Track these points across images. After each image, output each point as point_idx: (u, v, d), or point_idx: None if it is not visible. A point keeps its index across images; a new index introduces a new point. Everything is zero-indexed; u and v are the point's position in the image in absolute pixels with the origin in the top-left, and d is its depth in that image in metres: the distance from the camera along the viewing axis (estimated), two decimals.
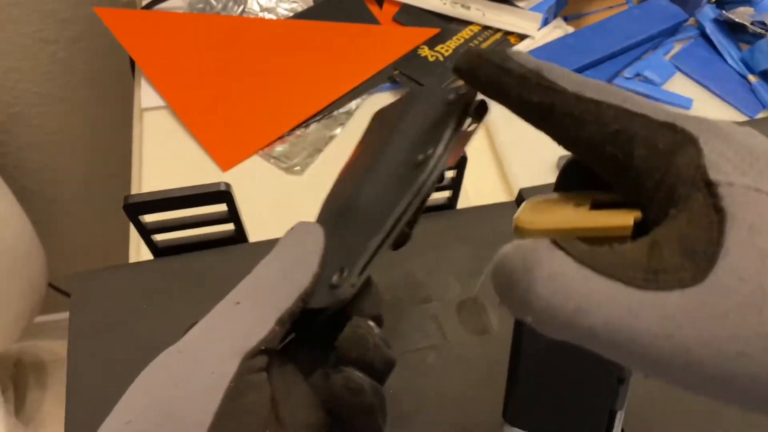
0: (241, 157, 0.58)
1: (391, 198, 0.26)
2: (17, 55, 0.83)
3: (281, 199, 0.56)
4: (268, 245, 0.48)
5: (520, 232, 0.22)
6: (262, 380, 0.24)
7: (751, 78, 0.64)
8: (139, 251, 0.54)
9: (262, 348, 0.24)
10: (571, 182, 0.25)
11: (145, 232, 0.46)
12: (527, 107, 0.23)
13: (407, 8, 0.68)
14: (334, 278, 0.26)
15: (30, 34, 0.81)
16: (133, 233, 0.55)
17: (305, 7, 0.69)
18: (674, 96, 0.63)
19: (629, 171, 0.21)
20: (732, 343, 0.17)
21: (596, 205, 0.22)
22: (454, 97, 0.27)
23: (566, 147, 0.23)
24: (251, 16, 0.68)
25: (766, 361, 0.17)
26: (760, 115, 0.63)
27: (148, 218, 0.45)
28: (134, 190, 0.57)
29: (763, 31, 0.64)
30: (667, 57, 0.67)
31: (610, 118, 0.21)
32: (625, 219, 0.20)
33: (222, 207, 0.45)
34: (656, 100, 0.63)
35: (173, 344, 0.25)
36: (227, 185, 0.43)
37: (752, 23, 0.65)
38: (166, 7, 0.68)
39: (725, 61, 0.66)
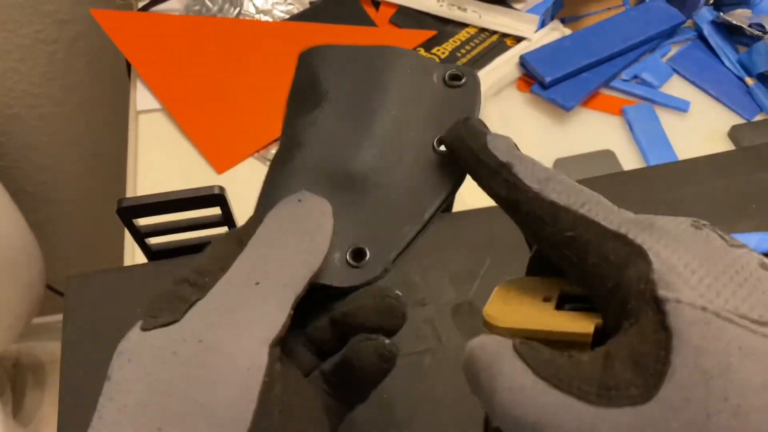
0: (236, 159, 0.58)
1: (422, 185, 0.27)
2: (16, 55, 0.83)
3: None
4: None
5: (488, 326, 0.24)
6: (280, 370, 0.23)
7: (749, 80, 0.64)
8: (134, 254, 0.54)
9: (282, 335, 0.23)
10: (541, 268, 0.26)
11: (139, 235, 0.45)
12: (497, 198, 0.24)
13: (404, 10, 0.68)
14: (348, 257, 0.26)
15: (29, 34, 0.81)
16: (128, 235, 0.55)
17: (301, 9, 0.68)
18: (671, 99, 0.63)
19: (584, 276, 0.22)
20: None
21: (564, 299, 0.24)
22: (456, 80, 0.29)
23: (531, 241, 0.24)
24: (247, 18, 0.67)
25: None
26: (758, 118, 0.62)
27: (142, 221, 0.45)
28: (129, 193, 0.57)
29: (760, 34, 0.64)
30: (665, 59, 0.67)
31: (567, 222, 0.22)
32: (585, 327, 0.22)
33: (216, 210, 0.45)
34: (654, 102, 0.63)
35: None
36: (221, 188, 0.43)
37: (750, 25, 0.65)
38: (162, 9, 0.68)
39: (723, 63, 0.66)
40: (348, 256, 0.26)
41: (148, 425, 0.21)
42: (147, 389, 0.21)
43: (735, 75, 0.65)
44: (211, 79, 0.62)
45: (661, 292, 0.19)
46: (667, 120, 0.62)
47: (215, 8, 0.67)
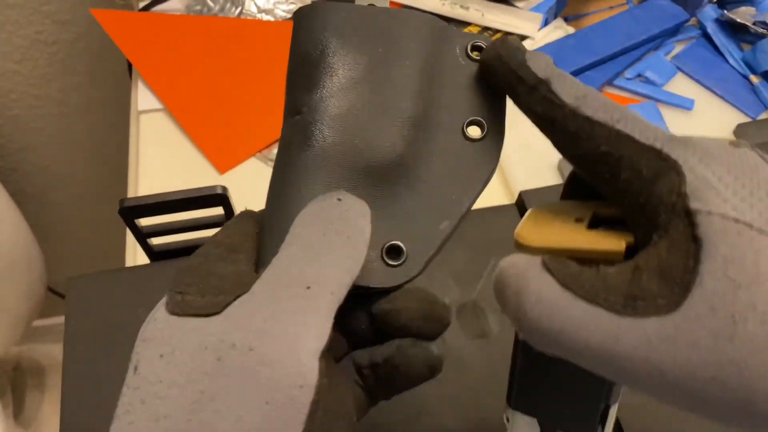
0: (238, 159, 0.58)
1: (455, 173, 0.26)
2: (16, 57, 0.83)
3: None
4: None
5: (519, 246, 0.23)
6: (326, 386, 0.21)
7: (753, 78, 0.64)
8: (136, 254, 0.54)
9: (327, 347, 0.21)
10: (576, 192, 0.25)
11: (141, 235, 0.45)
12: (533, 116, 0.24)
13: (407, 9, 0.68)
14: (384, 255, 0.25)
15: (28, 35, 0.81)
16: (130, 235, 0.55)
17: None
18: (675, 97, 0.63)
19: (616, 191, 0.22)
20: (704, 369, 0.18)
21: (596, 221, 0.23)
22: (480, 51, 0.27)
23: (566, 159, 0.24)
24: (249, 17, 0.67)
25: (736, 387, 0.17)
26: (763, 116, 0.62)
27: (144, 222, 0.44)
28: (131, 193, 0.56)
29: (765, 31, 0.64)
30: (669, 57, 0.66)
31: (601, 138, 0.22)
32: (617, 244, 0.21)
33: (219, 210, 0.44)
34: (658, 101, 0.63)
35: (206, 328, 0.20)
36: (224, 188, 0.43)
37: (754, 23, 0.65)
38: (163, 9, 0.67)
39: (727, 61, 0.66)
40: (384, 255, 0.25)
41: None
42: (190, 401, 0.20)
43: (739, 73, 0.65)
44: (213, 78, 0.62)
45: (693, 204, 0.19)
46: (672, 118, 0.61)
47: (216, 8, 0.67)
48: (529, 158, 0.57)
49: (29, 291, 0.95)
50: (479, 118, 0.26)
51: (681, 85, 0.64)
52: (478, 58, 0.26)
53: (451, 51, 0.27)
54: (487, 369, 0.41)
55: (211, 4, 0.67)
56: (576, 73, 0.61)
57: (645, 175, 0.20)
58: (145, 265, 0.47)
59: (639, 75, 0.64)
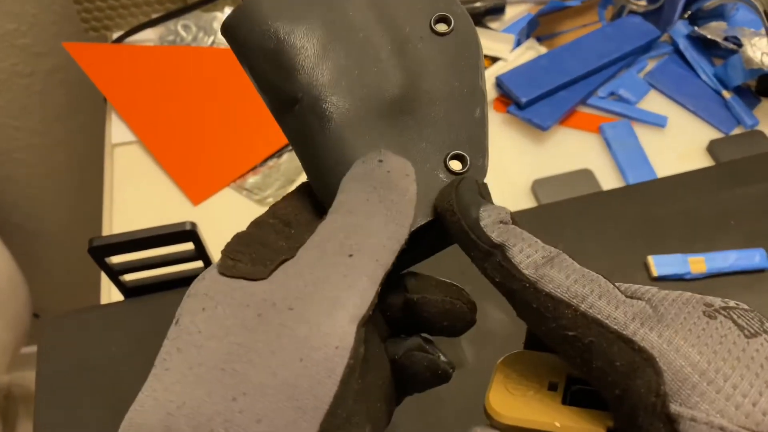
0: (212, 190, 0.58)
1: (452, 67, 0.26)
2: None
3: None
4: None
5: (490, 417, 0.22)
6: (362, 354, 0.21)
7: (726, 94, 0.64)
8: (111, 288, 0.54)
9: (370, 314, 0.21)
10: (539, 343, 0.24)
11: (113, 273, 0.45)
12: (490, 281, 0.23)
13: None
14: (449, 166, 0.25)
15: (5, 68, 0.81)
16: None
17: None
18: (649, 114, 0.63)
19: (590, 376, 0.20)
20: None
21: (571, 381, 0.22)
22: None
23: (531, 329, 0.23)
24: (222, 47, 0.67)
25: None
26: (735, 131, 0.62)
27: (115, 259, 0.44)
28: (105, 227, 0.56)
29: (735, 47, 0.64)
30: (642, 74, 0.67)
31: (568, 321, 0.20)
32: (596, 429, 0.20)
33: (189, 245, 0.44)
34: (631, 119, 0.63)
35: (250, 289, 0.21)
36: (193, 224, 0.43)
37: (725, 39, 0.65)
38: (136, 40, 0.67)
39: (699, 77, 0.66)
40: (449, 165, 0.25)
41: (223, 394, 0.19)
42: (226, 352, 0.20)
43: (712, 88, 0.65)
44: (186, 109, 0.62)
45: (674, 408, 0.18)
46: (645, 136, 0.62)
47: (189, 37, 0.67)
48: (502, 181, 0.57)
49: (15, 320, 0.95)
50: (442, 14, 0.27)
51: (654, 102, 0.65)
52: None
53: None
54: (463, 398, 0.41)
55: (183, 34, 0.67)
56: (549, 94, 0.62)
57: (619, 368, 0.19)
58: (119, 303, 0.47)
59: (612, 93, 0.65)
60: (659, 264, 0.47)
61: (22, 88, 0.83)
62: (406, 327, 0.25)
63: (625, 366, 0.19)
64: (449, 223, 0.24)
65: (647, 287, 0.21)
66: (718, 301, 0.20)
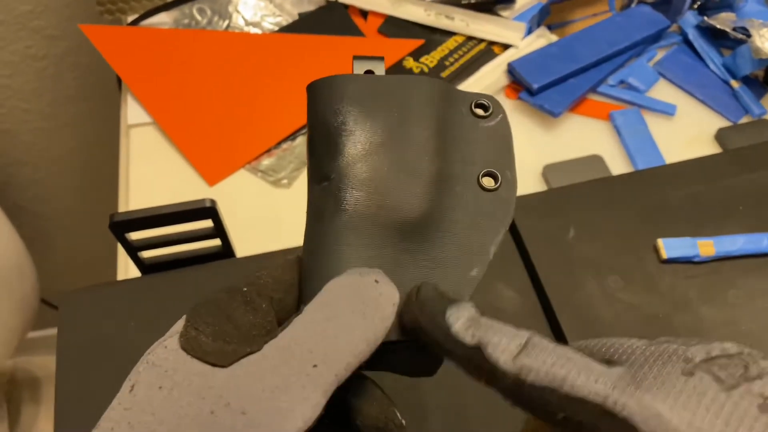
0: (227, 171, 0.58)
1: (478, 222, 0.28)
2: (6, 72, 0.83)
3: (269, 212, 0.57)
4: (256, 260, 0.48)
5: None
6: None
7: (734, 83, 0.65)
8: (128, 267, 0.55)
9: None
10: None
11: (132, 249, 0.46)
12: (478, 381, 0.23)
13: (392, 20, 0.69)
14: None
15: (18, 51, 0.82)
16: (122, 249, 0.55)
17: (290, 21, 0.69)
18: (658, 103, 0.64)
19: None
20: None
21: None
22: (482, 109, 0.29)
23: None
24: (236, 30, 0.68)
25: None
26: (743, 120, 0.63)
27: (135, 236, 0.45)
28: (121, 207, 0.57)
29: (744, 37, 0.65)
30: (651, 63, 0.67)
31: (554, 405, 0.21)
32: None
33: (208, 223, 0.45)
34: (641, 107, 0.64)
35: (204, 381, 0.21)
36: (212, 201, 0.44)
37: (734, 29, 0.66)
38: (151, 23, 0.68)
39: (708, 66, 0.67)
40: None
41: None
42: None
43: (720, 78, 0.66)
44: (201, 91, 0.63)
45: None
46: (654, 124, 0.62)
47: (204, 21, 0.67)
48: None
49: (22, 304, 0.96)
50: (492, 170, 0.28)
51: (663, 91, 0.65)
52: (483, 114, 0.29)
53: (458, 109, 0.29)
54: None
55: (198, 17, 0.67)
56: (559, 81, 0.62)
57: None
58: (137, 279, 0.48)
59: (622, 81, 0.65)
60: (669, 247, 0.48)
61: (35, 71, 0.84)
62: (338, 419, 0.25)
63: None
64: (422, 337, 0.24)
65: (629, 342, 0.22)
66: (700, 354, 0.21)
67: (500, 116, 0.30)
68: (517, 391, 0.22)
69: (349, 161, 0.27)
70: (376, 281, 0.24)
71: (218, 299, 0.24)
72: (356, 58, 0.29)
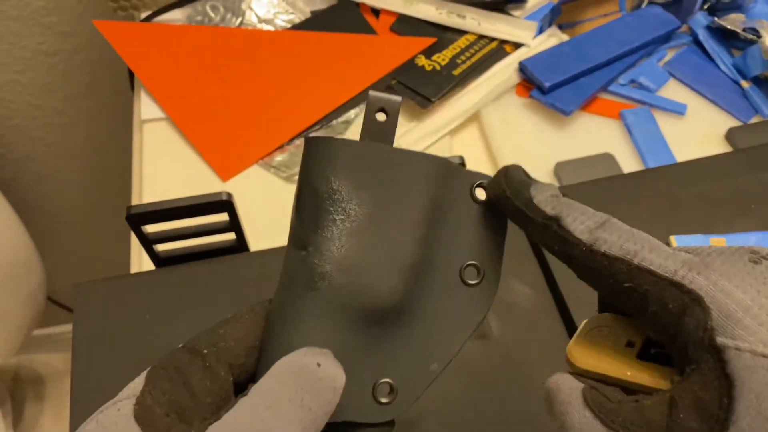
0: (241, 167, 0.59)
1: (450, 315, 0.26)
2: (17, 67, 0.84)
3: (282, 208, 0.57)
4: (269, 254, 0.49)
5: (570, 364, 0.25)
6: None
7: (744, 83, 0.65)
8: (141, 262, 0.55)
9: None
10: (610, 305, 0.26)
11: (148, 242, 0.46)
12: (550, 251, 0.24)
13: (404, 18, 0.69)
14: (377, 392, 0.25)
15: (30, 47, 0.82)
16: (135, 243, 0.55)
17: (303, 19, 0.69)
18: (669, 102, 0.64)
19: (647, 322, 0.22)
20: None
21: (649, 344, 0.24)
22: (486, 199, 0.27)
23: (593, 288, 0.24)
24: (249, 27, 0.68)
25: None
26: (753, 120, 0.63)
27: (150, 228, 0.45)
28: (134, 201, 0.57)
29: (754, 38, 0.65)
30: (661, 63, 0.68)
31: (623, 274, 0.22)
32: (662, 383, 0.22)
33: (223, 216, 0.45)
34: (651, 106, 0.64)
35: None
36: (229, 195, 0.44)
37: (744, 30, 0.66)
38: (164, 20, 0.68)
39: (718, 67, 0.67)
40: (375, 392, 0.26)
41: None
42: None
43: (730, 78, 0.66)
44: (214, 87, 0.63)
45: (720, 339, 0.20)
46: (665, 123, 0.63)
47: (217, 18, 0.68)
48: (525, 163, 0.58)
49: (29, 300, 0.96)
50: (476, 263, 0.27)
51: (674, 91, 0.66)
52: (482, 198, 0.27)
53: (457, 190, 0.27)
54: (487, 370, 0.42)
55: (211, 14, 0.68)
56: (571, 80, 0.63)
57: (672, 310, 0.21)
58: (152, 271, 0.48)
59: (633, 81, 0.66)
60: (681, 244, 0.48)
61: (47, 66, 0.84)
62: None
63: (677, 307, 0.21)
64: (504, 206, 0.25)
65: (701, 246, 0.23)
66: (765, 250, 0.22)
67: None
68: (589, 259, 0.22)
69: (329, 237, 0.25)
70: (318, 364, 0.23)
71: (179, 361, 0.24)
72: (372, 93, 0.27)
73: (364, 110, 0.48)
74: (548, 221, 0.23)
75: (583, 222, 0.23)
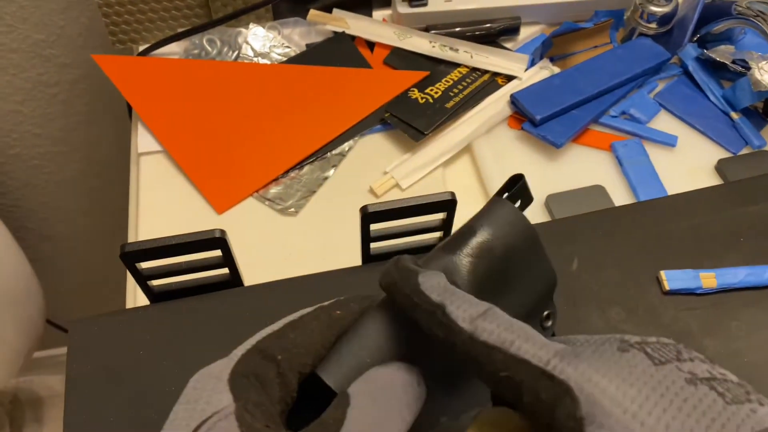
0: (236, 199, 0.59)
1: None
2: (18, 98, 0.85)
3: (276, 240, 0.58)
4: (263, 289, 0.49)
5: None
6: None
7: (734, 115, 0.66)
8: (136, 294, 0.55)
9: None
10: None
11: (142, 278, 0.46)
12: (436, 339, 0.25)
13: (397, 52, 0.70)
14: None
15: (31, 78, 0.83)
16: (131, 277, 0.56)
17: (298, 52, 0.70)
18: (659, 134, 0.65)
19: (524, 411, 0.23)
20: None
21: None
22: None
23: (476, 378, 0.25)
24: (246, 61, 0.69)
25: None
26: (744, 151, 0.64)
27: (144, 265, 0.46)
28: (131, 234, 0.58)
29: (743, 69, 0.66)
30: (652, 95, 0.68)
31: (500, 363, 0.23)
32: None
33: (217, 253, 0.46)
34: (642, 138, 0.65)
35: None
36: (222, 232, 0.44)
37: (733, 61, 0.67)
38: (161, 53, 0.69)
39: (708, 98, 0.68)
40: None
41: None
42: None
43: (720, 110, 0.67)
44: (210, 120, 0.64)
45: (589, 430, 0.20)
46: (656, 154, 0.63)
47: (214, 52, 0.69)
48: None
49: (28, 324, 0.96)
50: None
51: (664, 122, 0.66)
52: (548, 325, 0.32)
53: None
54: None
55: (208, 48, 0.69)
56: (562, 112, 0.64)
57: (544, 400, 0.22)
58: (146, 307, 0.49)
59: (623, 113, 0.66)
60: (671, 279, 0.48)
61: (47, 96, 0.85)
62: None
63: (549, 398, 0.22)
64: (395, 293, 0.26)
65: (576, 336, 0.24)
66: (635, 338, 0.23)
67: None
68: (470, 347, 0.24)
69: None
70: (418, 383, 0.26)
71: (258, 367, 0.25)
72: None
73: (357, 143, 0.48)
74: (434, 308, 0.25)
75: (465, 310, 0.24)
